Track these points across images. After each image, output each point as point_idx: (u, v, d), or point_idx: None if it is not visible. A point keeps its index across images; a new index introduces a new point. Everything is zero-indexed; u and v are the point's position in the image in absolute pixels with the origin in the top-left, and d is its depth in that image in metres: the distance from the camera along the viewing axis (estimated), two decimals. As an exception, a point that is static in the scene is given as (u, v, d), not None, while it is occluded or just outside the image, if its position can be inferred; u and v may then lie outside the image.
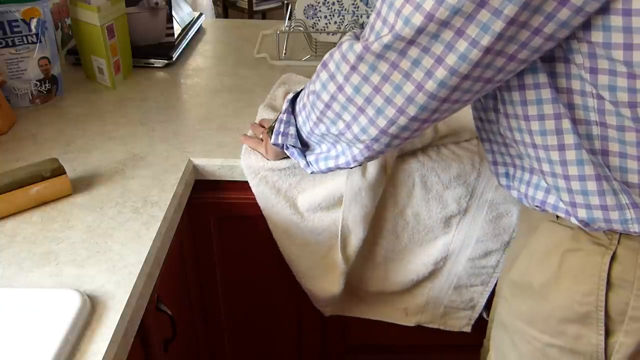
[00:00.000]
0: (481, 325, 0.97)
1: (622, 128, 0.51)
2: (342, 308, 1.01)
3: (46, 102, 1.01)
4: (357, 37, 0.57)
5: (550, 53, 0.51)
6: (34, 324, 0.53)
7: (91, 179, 0.79)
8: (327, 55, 0.59)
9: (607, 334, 0.59)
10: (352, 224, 0.87)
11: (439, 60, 0.49)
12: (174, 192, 0.77)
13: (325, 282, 0.94)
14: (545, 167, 0.58)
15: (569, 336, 0.61)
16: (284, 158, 0.83)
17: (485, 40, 0.46)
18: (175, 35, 1.23)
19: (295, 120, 0.70)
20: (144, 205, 0.74)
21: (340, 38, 1.18)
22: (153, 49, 1.18)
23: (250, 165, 0.84)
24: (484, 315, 0.99)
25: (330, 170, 0.70)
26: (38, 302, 0.56)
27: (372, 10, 1.17)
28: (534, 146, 0.57)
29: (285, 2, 1.28)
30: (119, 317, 0.56)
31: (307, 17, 1.19)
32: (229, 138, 0.91)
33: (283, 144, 0.73)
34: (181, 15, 1.33)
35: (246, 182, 0.86)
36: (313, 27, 1.20)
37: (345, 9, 1.19)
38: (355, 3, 1.18)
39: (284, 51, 1.24)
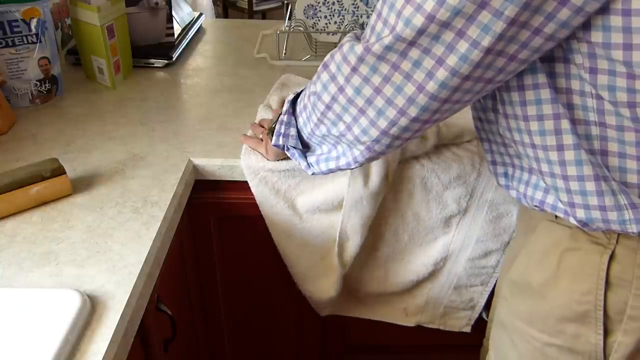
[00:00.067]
0: (481, 326, 0.97)
1: (621, 128, 0.52)
2: (341, 308, 1.01)
3: (46, 102, 1.01)
4: (357, 38, 0.57)
5: (549, 53, 0.51)
6: (34, 324, 0.53)
7: (91, 179, 0.79)
8: (328, 56, 0.59)
9: (606, 333, 0.59)
10: (351, 230, 0.88)
11: (440, 61, 0.49)
12: (174, 192, 0.77)
13: (322, 285, 0.94)
14: (544, 167, 0.58)
15: (567, 335, 0.61)
16: (284, 159, 0.83)
17: (486, 41, 0.46)
18: (175, 35, 1.23)
19: (296, 121, 0.70)
20: (144, 205, 0.74)
21: (341, 38, 1.19)
22: (153, 49, 1.18)
23: (250, 166, 0.84)
24: (484, 315, 0.99)
25: (331, 171, 0.70)
26: (38, 302, 0.56)
27: (372, 11, 1.18)
28: (533, 146, 0.57)
29: (285, 2, 1.28)
30: (119, 317, 0.56)
31: (307, 17, 1.19)
32: (229, 138, 0.91)
33: (284, 145, 0.73)
34: (181, 15, 1.33)
35: (246, 182, 0.86)
36: (313, 27, 1.20)
37: (345, 9, 1.19)
38: (355, 3, 1.18)
39: (284, 51, 1.24)
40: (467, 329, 1.02)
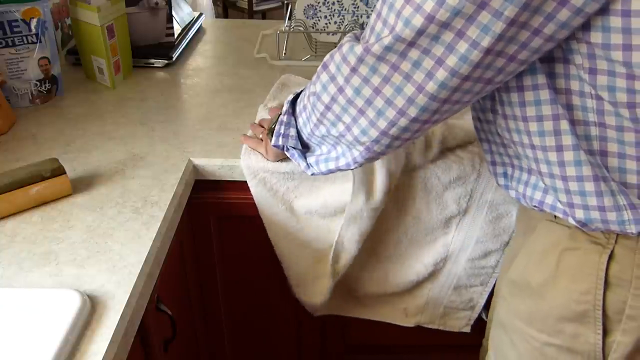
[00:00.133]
0: (480, 326, 0.97)
1: (621, 128, 0.52)
2: (341, 309, 1.01)
3: (46, 102, 1.01)
4: (357, 38, 0.57)
5: (549, 54, 0.51)
6: (34, 324, 0.53)
7: (91, 179, 0.79)
8: (327, 57, 0.59)
9: (605, 333, 0.59)
10: (348, 243, 0.88)
11: (440, 62, 0.49)
12: (174, 192, 0.77)
13: (315, 288, 0.94)
14: (543, 168, 0.58)
15: (566, 335, 0.61)
16: (284, 160, 0.83)
17: (486, 42, 0.46)
18: (175, 35, 1.23)
19: (296, 122, 0.70)
20: (144, 205, 0.74)
21: (341, 38, 1.18)
22: (153, 49, 1.19)
23: (249, 166, 0.84)
24: (483, 315, 0.99)
25: (330, 171, 0.70)
26: (38, 302, 0.56)
27: (372, 10, 1.18)
28: (532, 147, 0.57)
29: (285, 2, 1.28)
30: (119, 317, 0.56)
31: (307, 17, 1.19)
32: (229, 138, 0.91)
33: (283, 146, 0.73)
34: (181, 15, 1.34)
35: (246, 182, 0.86)
36: (313, 27, 1.20)
37: (345, 9, 1.19)
38: (355, 3, 1.18)
39: (284, 51, 1.24)
40: (467, 329, 1.02)
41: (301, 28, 1.19)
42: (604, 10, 0.45)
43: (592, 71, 0.49)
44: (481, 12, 0.45)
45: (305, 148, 0.73)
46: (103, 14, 1.00)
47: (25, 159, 0.83)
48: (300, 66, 1.19)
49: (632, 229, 0.56)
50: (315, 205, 0.87)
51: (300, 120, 0.69)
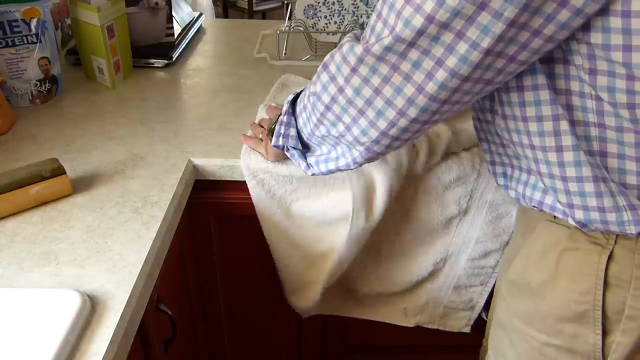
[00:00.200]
0: (480, 326, 0.97)
1: (620, 129, 0.52)
2: (341, 309, 1.01)
3: (46, 102, 1.01)
4: (357, 38, 0.57)
5: (549, 54, 0.51)
6: (34, 324, 0.53)
7: (91, 179, 0.79)
8: (327, 57, 0.59)
9: (605, 333, 0.59)
10: (347, 261, 0.88)
11: (440, 63, 0.49)
12: (174, 192, 0.77)
13: (306, 292, 0.95)
14: (543, 169, 0.58)
15: (566, 335, 0.62)
16: (284, 162, 0.83)
17: (486, 42, 0.46)
18: (175, 35, 1.23)
19: (296, 122, 0.70)
20: (144, 205, 0.74)
21: (341, 38, 1.18)
22: (153, 49, 1.19)
23: (249, 166, 0.84)
24: (483, 315, 0.99)
25: (331, 172, 0.70)
26: (38, 302, 0.56)
27: (372, 10, 1.18)
28: (532, 147, 0.57)
29: (285, 2, 1.28)
30: (119, 317, 0.56)
31: (307, 17, 1.19)
32: (229, 138, 0.91)
33: (283, 146, 0.73)
34: (181, 15, 1.34)
35: (246, 182, 0.86)
36: (313, 27, 1.20)
37: (345, 9, 1.19)
38: (355, 3, 1.18)
39: (284, 51, 1.24)
40: (467, 329, 1.02)
41: (301, 28, 1.19)
42: (604, 11, 0.45)
43: (592, 72, 0.49)
44: (481, 13, 0.45)
45: (305, 148, 0.73)
46: (103, 14, 1.00)
47: (25, 159, 0.83)
48: (300, 66, 1.19)
49: (631, 229, 0.56)
50: (311, 211, 0.87)
51: (300, 121, 0.69)
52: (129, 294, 0.59)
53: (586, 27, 0.46)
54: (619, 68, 0.47)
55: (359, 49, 0.53)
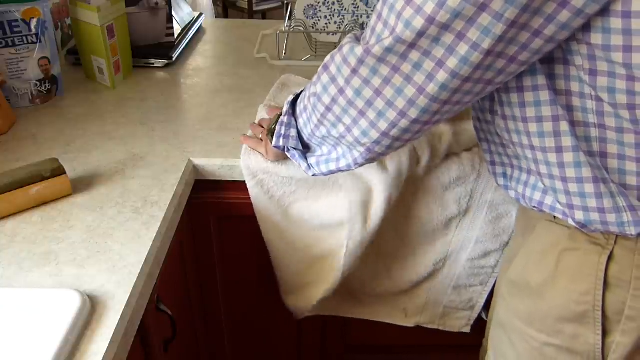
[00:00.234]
0: (480, 326, 0.97)
1: (620, 130, 0.52)
2: (341, 309, 1.01)
3: (46, 102, 1.01)
4: (357, 39, 0.57)
5: (549, 54, 0.51)
6: (34, 324, 0.53)
7: (91, 179, 0.79)
8: (328, 58, 0.59)
9: (604, 333, 0.59)
10: (347, 272, 0.88)
11: (440, 64, 0.49)
12: (174, 192, 0.77)
13: (302, 294, 0.95)
14: (543, 169, 0.58)
15: (566, 335, 0.62)
16: (284, 163, 0.84)
17: (486, 43, 0.46)
18: (175, 35, 1.23)
19: (296, 122, 0.70)
20: (144, 205, 0.74)
21: (341, 38, 1.18)
22: (153, 49, 1.19)
23: (249, 167, 0.84)
24: (483, 315, 0.99)
25: (331, 172, 0.70)
26: (38, 302, 0.56)
27: (372, 11, 1.18)
28: (532, 148, 0.57)
29: (285, 2, 1.28)
30: (119, 317, 0.57)
31: (307, 17, 1.19)
32: (229, 138, 0.91)
33: (284, 146, 0.73)
34: (181, 15, 1.34)
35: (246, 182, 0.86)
36: (313, 27, 1.20)
37: (345, 9, 1.19)
38: (355, 3, 1.18)
39: (284, 51, 1.24)
40: (467, 329, 1.02)
41: (301, 28, 1.19)
42: (604, 12, 0.45)
43: (592, 72, 0.49)
44: (481, 14, 0.45)
45: (306, 148, 0.73)
46: (103, 14, 1.00)
47: (25, 159, 0.83)
48: (300, 66, 1.19)
49: (631, 230, 0.56)
50: (309, 214, 0.87)
51: (300, 121, 0.69)
52: (129, 294, 0.59)
53: (586, 27, 0.46)
54: (619, 69, 0.47)
55: (359, 50, 0.53)
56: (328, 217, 0.87)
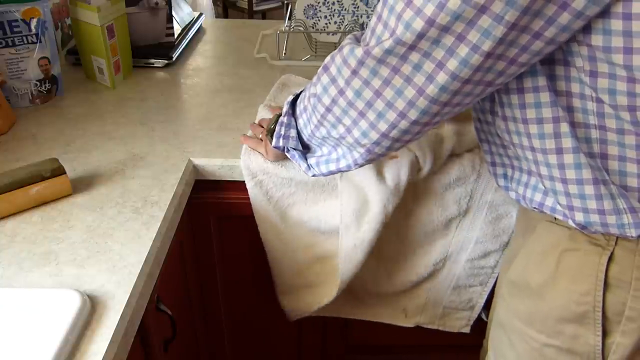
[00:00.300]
0: (480, 326, 0.97)
1: (621, 131, 0.52)
2: (341, 310, 1.01)
3: (46, 102, 1.01)
4: (357, 40, 0.57)
5: (550, 56, 0.51)
6: (34, 324, 0.53)
7: (91, 179, 0.79)
8: (328, 58, 0.59)
9: (604, 334, 0.59)
10: (347, 278, 0.88)
11: (440, 65, 0.49)
12: (174, 192, 0.77)
13: (294, 295, 0.95)
14: (543, 170, 0.58)
15: (566, 336, 0.62)
16: (284, 164, 0.84)
17: (486, 46, 0.46)
18: (175, 35, 1.23)
19: (296, 123, 0.70)
20: (144, 205, 0.74)
21: (341, 38, 1.18)
22: (153, 49, 1.19)
23: (248, 167, 0.84)
24: (483, 316, 0.99)
25: (331, 173, 0.70)
26: (38, 302, 0.56)
27: (372, 11, 1.18)
28: (532, 149, 0.57)
29: (285, 2, 1.28)
30: (119, 317, 0.57)
31: (307, 17, 1.19)
32: (229, 138, 0.91)
33: (284, 147, 0.73)
34: (181, 15, 1.34)
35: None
36: (313, 27, 1.20)
37: (345, 9, 1.19)
38: (355, 3, 1.18)
39: (284, 51, 1.24)
40: (467, 330, 1.02)
41: (301, 28, 1.19)
42: (604, 13, 0.45)
43: (593, 74, 0.49)
44: (482, 16, 0.45)
45: (305, 149, 0.73)
46: (103, 14, 1.00)
47: (25, 159, 0.83)
48: (300, 66, 1.19)
49: (631, 232, 0.56)
50: (307, 217, 0.87)
51: (300, 122, 0.69)
52: (129, 294, 0.59)
53: (587, 29, 0.46)
54: (619, 70, 0.47)
55: (359, 51, 0.53)
56: (325, 221, 0.87)
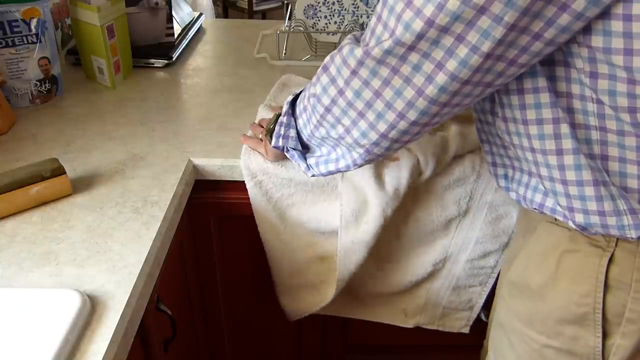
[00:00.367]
0: (480, 326, 0.97)
1: (621, 133, 0.52)
2: (340, 310, 1.01)
3: (46, 102, 1.01)
4: (357, 40, 0.57)
5: (550, 57, 0.51)
6: (34, 324, 0.53)
7: (91, 179, 0.79)
8: (327, 59, 0.59)
9: (604, 335, 0.59)
10: (346, 278, 0.88)
11: (440, 66, 0.49)
12: (174, 192, 0.77)
13: (293, 295, 0.95)
14: (543, 171, 0.58)
15: (566, 337, 0.61)
16: (284, 165, 0.84)
17: (486, 46, 0.46)
18: (175, 35, 1.23)
19: (296, 123, 0.70)
20: (144, 205, 0.74)
21: (341, 38, 1.18)
22: (153, 49, 1.19)
23: (248, 167, 0.84)
24: (482, 316, 0.99)
25: (330, 173, 0.70)
26: (38, 302, 0.56)
27: (372, 11, 1.18)
28: (532, 150, 0.57)
29: (285, 2, 1.28)
30: (119, 317, 0.57)
31: (307, 17, 1.19)
32: (229, 138, 0.91)
33: (283, 147, 0.73)
34: (181, 15, 1.34)
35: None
36: (313, 27, 1.20)
37: (345, 9, 1.19)
38: (355, 3, 1.18)
39: (284, 51, 1.24)
40: (466, 330, 1.02)
41: (301, 28, 1.19)
42: (604, 15, 0.45)
43: (593, 75, 0.49)
44: (481, 17, 0.45)
45: (305, 149, 0.73)
46: (103, 14, 1.00)
47: (25, 159, 0.83)
48: (300, 66, 1.19)
49: (632, 234, 0.56)
50: (306, 217, 0.87)
51: (300, 122, 0.69)
52: (129, 294, 0.59)
53: (587, 30, 0.46)
54: (619, 72, 0.47)
55: (359, 51, 0.53)
56: (324, 222, 0.87)
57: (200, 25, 1.42)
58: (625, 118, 0.50)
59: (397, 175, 0.81)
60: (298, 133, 0.71)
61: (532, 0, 0.43)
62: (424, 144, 0.83)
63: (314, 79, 0.62)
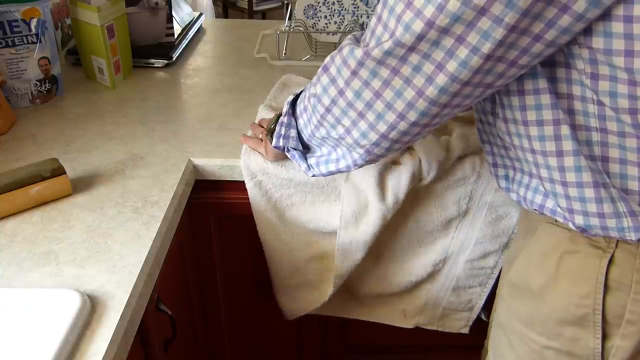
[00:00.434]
0: (479, 326, 0.97)
1: (622, 134, 0.51)
2: (340, 310, 1.01)
3: (46, 102, 1.01)
4: (357, 41, 0.57)
5: (550, 58, 0.51)
6: (34, 324, 0.53)
7: (91, 179, 0.79)
8: (328, 59, 0.59)
9: (604, 337, 0.59)
10: (346, 274, 0.88)
11: (440, 67, 0.49)
12: (174, 192, 0.77)
13: (291, 295, 0.95)
14: (544, 173, 0.58)
15: (566, 338, 0.61)
16: (284, 165, 0.84)
17: (486, 48, 0.46)
18: (175, 35, 1.23)
19: (296, 123, 0.70)
20: (144, 205, 0.74)
21: (341, 38, 1.18)
22: (153, 49, 1.19)
23: (248, 167, 0.84)
24: (482, 316, 0.99)
25: (331, 173, 0.70)
26: (38, 302, 0.56)
27: (372, 11, 1.18)
28: (532, 151, 0.57)
29: (285, 2, 1.28)
30: (119, 317, 0.57)
31: (307, 17, 1.19)
32: (229, 138, 0.91)
33: (284, 147, 0.73)
34: (181, 15, 1.34)
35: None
36: (313, 27, 1.20)
37: (345, 9, 1.19)
38: (355, 3, 1.18)
39: (284, 51, 1.24)
40: (466, 330, 1.02)
41: (301, 28, 1.19)
42: (605, 16, 0.45)
43: (594, 76, 0.49)
44: (481, 19, 0.45)
45: (305, 149, 0.73)
46: (103, 14, 1.00)
47: (25, 159, 0.83)
48: (300, 66, 1.19)
49: (631, 236, 0.56)
50: (305, 218, 0.87)
51: (300, 122, 0.69)
52: (129, 294, 0.59)
53: (588, 31, 0.46)
54: (620, 73, 0.47)
55: (359, 52, 0.53)
56: (324, 223, 0.87)
57: (200, 25, 1.42)
58: (626, 119, 0.50)
59: (399, 180, 0.81)
60: (299, 133, 0.71)
61: (532, 2, 0.43)
62: (428, 146, 0.83)
63: (315, 79, 0.62)
